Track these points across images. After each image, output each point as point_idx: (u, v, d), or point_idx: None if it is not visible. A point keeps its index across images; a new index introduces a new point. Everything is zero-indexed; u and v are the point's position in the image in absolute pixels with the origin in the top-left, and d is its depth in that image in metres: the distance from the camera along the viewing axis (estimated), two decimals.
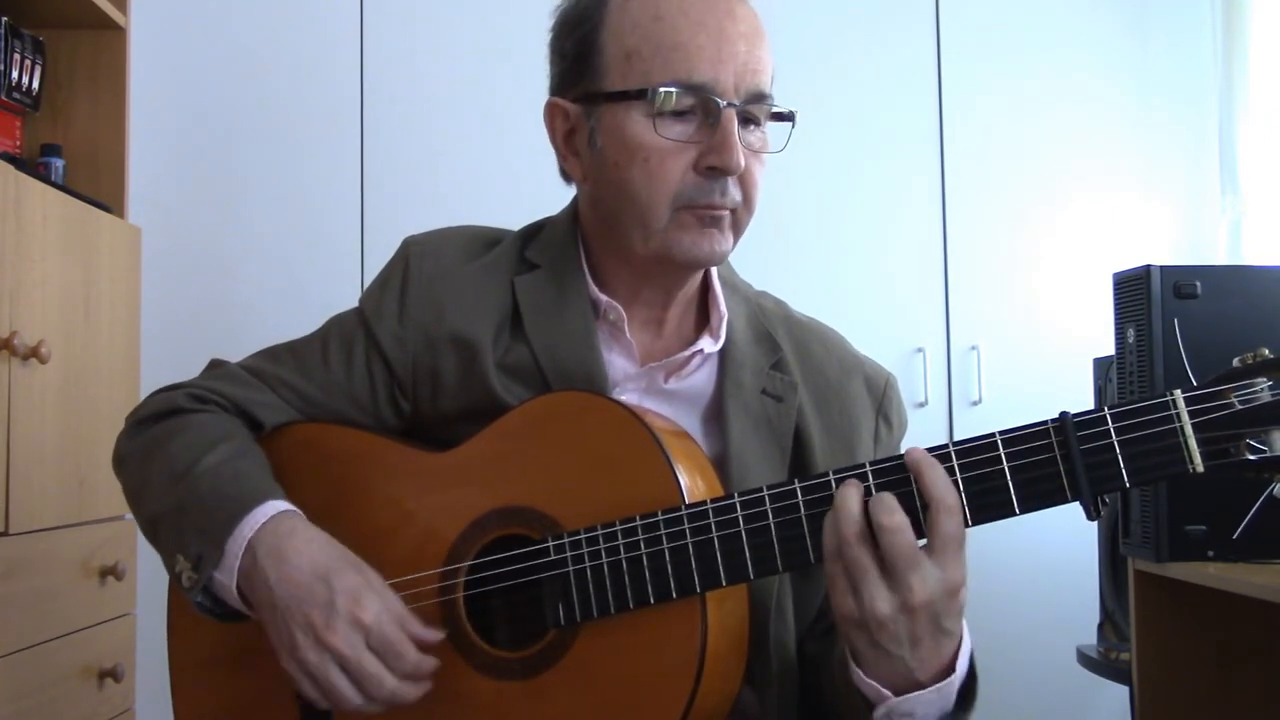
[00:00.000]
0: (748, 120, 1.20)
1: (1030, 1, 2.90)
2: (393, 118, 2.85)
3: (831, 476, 1.06)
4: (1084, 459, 1.00)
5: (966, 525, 1.02)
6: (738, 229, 1.22)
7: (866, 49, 2.89)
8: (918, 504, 1.02)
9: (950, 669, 1.04)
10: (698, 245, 1.19)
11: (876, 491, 1.03)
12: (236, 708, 1.27)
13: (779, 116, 1.22)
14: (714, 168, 1.17)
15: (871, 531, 1.01)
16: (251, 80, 2.84)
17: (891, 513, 1.01)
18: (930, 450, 1.04)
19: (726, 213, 1.19)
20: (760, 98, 1.19)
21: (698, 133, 1.17)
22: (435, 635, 1.14)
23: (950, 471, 1.02)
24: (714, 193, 1.18)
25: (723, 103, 1.16)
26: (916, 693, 1.03)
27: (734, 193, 1.19)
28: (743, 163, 1.17)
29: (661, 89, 1.16)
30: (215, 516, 1.16)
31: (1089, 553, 2.41)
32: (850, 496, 1.02)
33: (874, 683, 1.04)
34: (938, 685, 1.04)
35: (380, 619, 1.11)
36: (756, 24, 1.21)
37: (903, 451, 1.04)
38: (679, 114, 1.17)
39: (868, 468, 1.04)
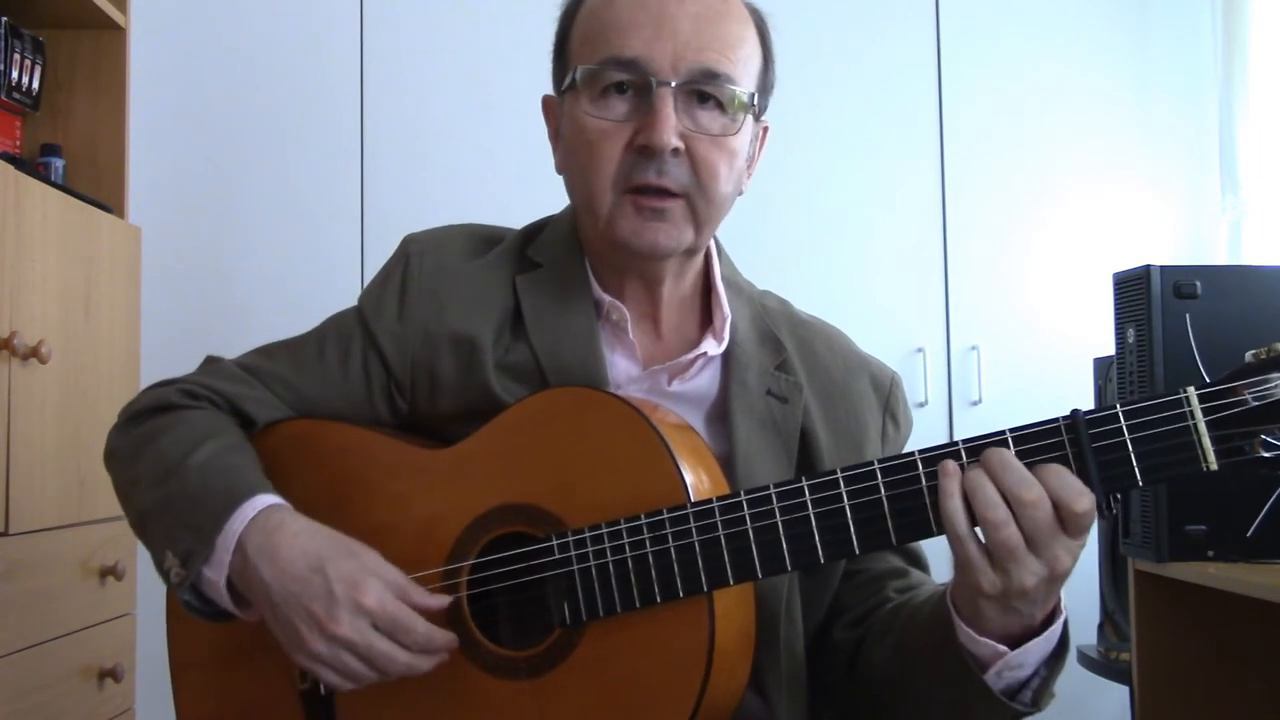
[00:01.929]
0: (704, 99, 1.17)
1: (1030, 1, 2.91)
2: (393, 118, 2.85)
3: (839, 474, 1.05)
4: (1096, 457, 0.99)
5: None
6: (696, 219, 1.19)
7: (866, 49, 2.89)
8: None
9: (1056, 609, 1.05)
10: (638, 235, 1.18)
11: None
12: (238, 705, 1.27)
13: (745, 106, 1.19)
14: (645, 146, 1.15)
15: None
16: (251, 80, 2.84)
17: (1030, 487, 0.98)
18: (936, 449, 1.03)
19: (675, 201, 1.17)
20: (710, 76, 1.17)
21: (633, 113, 1.17)
22: (441, 601, 1.14)
23: (960, 469, 1.01)
24: (649, 171, 1.16)
25: (655, 81, 1.15)
26: (1032, 641, 1.03)
27: (676, 173, 1.16)
28: (671, 141, 1.15)
29: (582, 67, 1.17)
30: (203, 512, 1.15)
31: (1089, 553, 2.40)
32: (982, 478, 0.99)
33: (989, 640, 1.03)
34: (1048, 631, 1.04)
35: (383, 600, 1.10)
36: (715, 5, 1.19)
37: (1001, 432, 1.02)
38: (620, 95, 1.17)
39: (960, 446, 1.02)
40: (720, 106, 1.18)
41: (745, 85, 1.19)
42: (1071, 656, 2.50)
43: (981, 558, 1.00)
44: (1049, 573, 0.99)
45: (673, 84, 1.15)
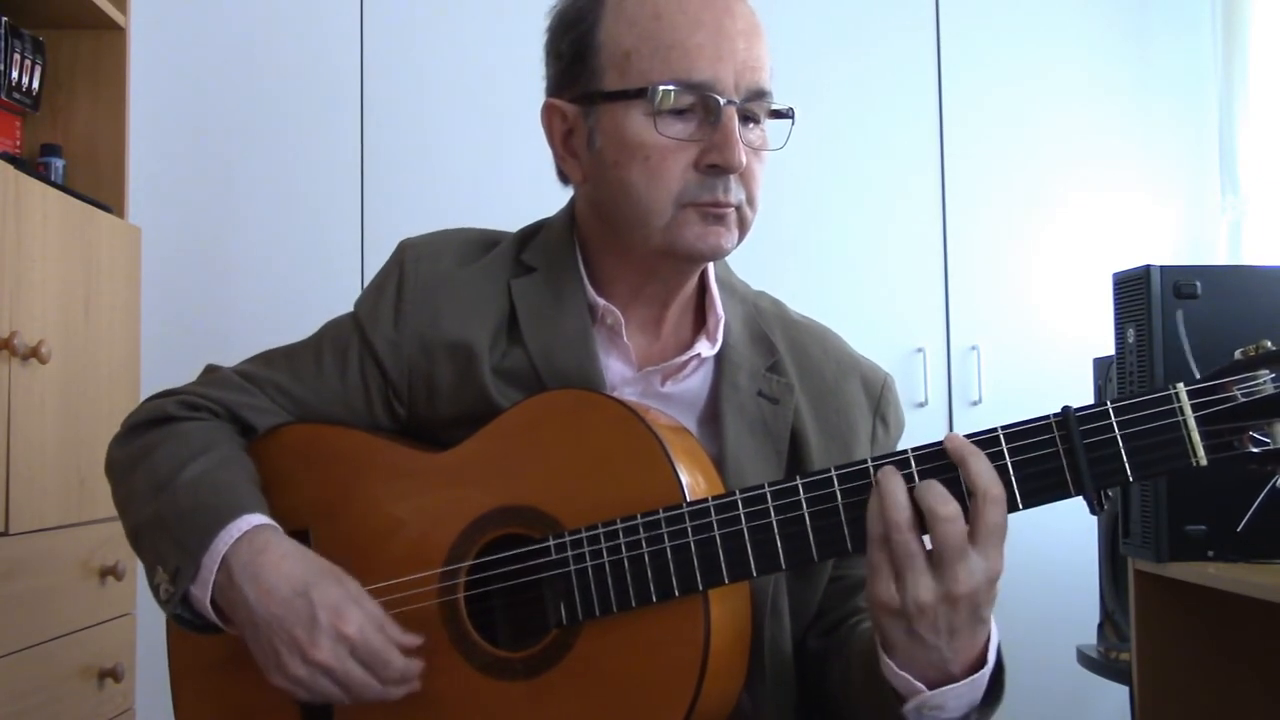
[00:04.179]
0: (747, 118, 1.19)
1: (1030, 1, 2.91)
2: (393, 118, 2.85)
3: (833, 472, 1.06)
4: (1087, 453, 1.00)
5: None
6: (743, 226, 1.21)
7: (866, 48, 2.89)
8: (963, 491, 1.01)
9: (982, 660, 1.04)
10: (702, 239, 1.18)
11: (920, 479, 1.02)
12: (237, 709, 1.27)
13: (778, 114, 1.22)
14: (715, 165, 1.16)
15: (918, 518, 1.01)
16: (251, 80, 2.84)
17: (946, 502, 0.99)
18: (928, 446, 1.03)
19: (731, 209, 1.19)
20: (760, 95, 1.19)
21: (698, 131, 1.17)
22: (414, 640, 1.15)
23: (950, 468, 1.02)
24: (717, 189, 1.17)
25: (723, 100, 1.16)
26: (950, 685, 1.03)
27: (736, 190, 1.18)
28: (744, 160, 1.16)
29: (661, 87, 1.15)
30: (192, 529, 1.16)
31: (1089, 553, 2.41)
32: (897, 483, 1.01)
33: (907, 675, 1.03)
34: (970, 678, 1.03)
35: (364, 630, 1.12)
36: (754, 20, 1.20)
37: (941, 439, 1.03)
38: (679, 113, 1.16)
39: (910, 454, 1.03)
40: (759, 120, 1.21)
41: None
42: (1070, 657, 2.50)
43: (885, 565, 1.01)
44: (945, 592, 0.99)
45: (737, 104, 1.17)
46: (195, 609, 1.17)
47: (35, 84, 2.44)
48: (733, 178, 1.17)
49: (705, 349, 1.26)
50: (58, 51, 2.55)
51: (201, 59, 2.84)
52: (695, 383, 1.27)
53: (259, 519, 1.17)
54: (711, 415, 1.26)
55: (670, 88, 1.15)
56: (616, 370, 1.26)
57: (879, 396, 1.33)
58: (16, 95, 2.39)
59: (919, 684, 1.03)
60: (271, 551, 1.14)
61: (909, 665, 1.03)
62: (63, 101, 2.58)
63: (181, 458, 1.21)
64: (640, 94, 1.16)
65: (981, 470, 1.00)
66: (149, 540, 1.20)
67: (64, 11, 2.49)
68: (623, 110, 1.18)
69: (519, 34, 2.74)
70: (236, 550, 1.14)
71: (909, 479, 1.02)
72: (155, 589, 1.18)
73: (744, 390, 1.26)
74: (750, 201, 1.20)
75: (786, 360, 1.29)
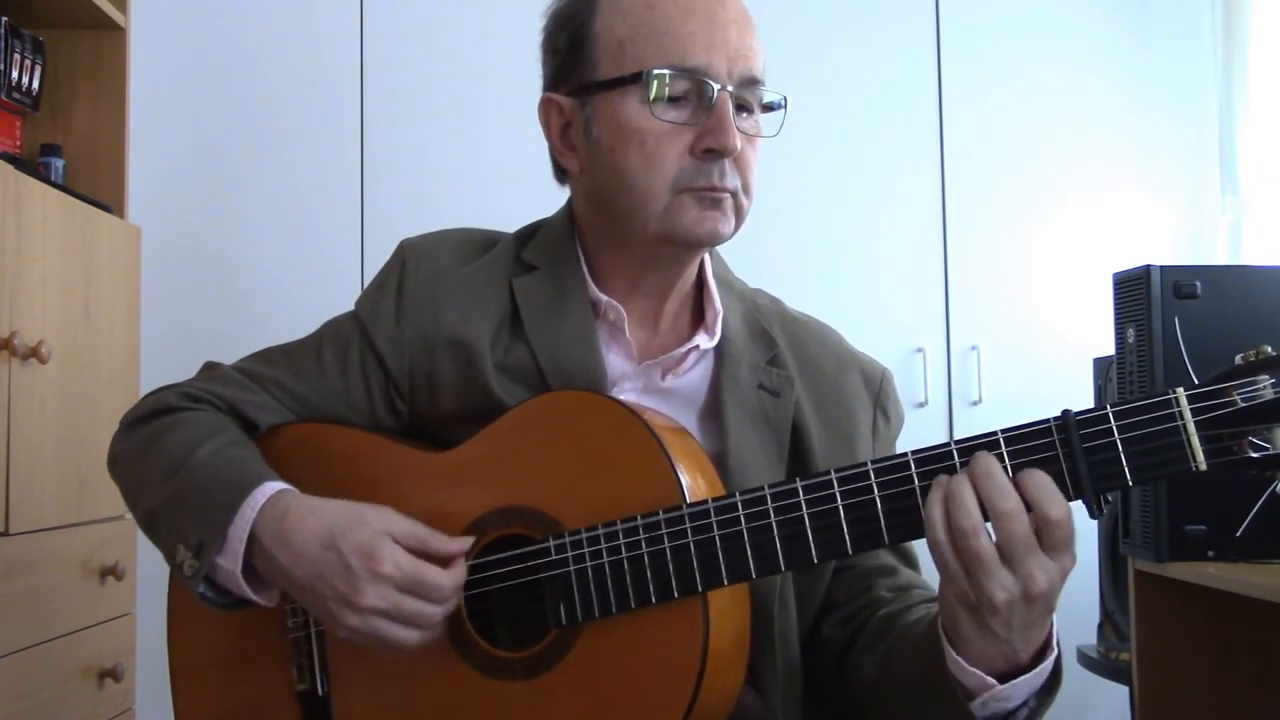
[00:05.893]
0: (741, 106, 1.21)
1: (1030, 1, 2.91)
2: (393, 118, 2.85)
3: (833, 474, 1.06)
4: (1086, 457, 1.00)
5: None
6: (739, 214, 1.22)
7: (867, 48, 2.89)
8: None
9: (1048, 645, 1.04)
10: (699, 224, 1.19)
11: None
12: (237, 706, 1.27)
13: (771, 107, 1.24)
14: (711, 150, 1.18)
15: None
16: (251, 80, 2.84)
17: (1007, 497, 0.98)
18: (929, 449, 1.03)
19: (727, 195, 1.20)
20: (753, 82, 1.21)
21: (693, 116, 1.18)
22: (462, 545, 1.15)
23: (950, 470, 1.02)
24: (713, 174, 1.18)
25: (717, 85, 1.17)
26: (1021, 677, 1.02)
27: (732, 176, 1.19)
28: (739, 144, 1.18)
29: (656, 71, 1.17)
30: (214, 502, 1.16)
31: (1089, 553, 2.41)
32: (964, 488, 1.00)
33: (977, 670, 1.02)
34: (1038, 667, 1.03)
35: (398, 563, 1.11)
36: (746, 13, 1.23)
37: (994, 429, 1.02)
38: (674, 99, 1.18)
39: (953, 446, 1.03)
40: (752, 109, 1.22)
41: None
42: (1070, 657, 2.50)
43: (956, 565, 1.00)
44: (1022, 591, 0.98)
45: (731, 89, 1.18)
46: (222, 585, 1.18)
47: (35, 84, 2.44)
48: (728, 163, 1.19)
49: (704, 341, 1.27)
50: (58, 51, 2.55)
51: (201, 59, 2.84)
52: (695, 377, 1.28)
53: (275, 485, 1.18)
54: (713, 410, 1.27)
55: (664, 72, 1.17)
56: (617, 365, 1.27)
57: (878, 389, 1.34)
58: (16, 95, 2.39)
59: (990, 679, 1.02)
60: (292, 515, 1.15)
61: (979, 660, 1.02)
62: (63, 101, 2.58)
63: (192, 441, 1.22)
64: (635, 79, 1.18)
65: (1040, 484, 0.99)
66: (166, 521, 1.20)
67: (64, 11, 2.49)
68: (618, 97, 1.20)
69: (518, 34, 2.73)
70: (261, 523, 1.15)
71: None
72: (179, 567, 1.17)
73: (744, 384, 1.27)
74: (746, 189, 1.22)
75: (786, 354, 1.30)
